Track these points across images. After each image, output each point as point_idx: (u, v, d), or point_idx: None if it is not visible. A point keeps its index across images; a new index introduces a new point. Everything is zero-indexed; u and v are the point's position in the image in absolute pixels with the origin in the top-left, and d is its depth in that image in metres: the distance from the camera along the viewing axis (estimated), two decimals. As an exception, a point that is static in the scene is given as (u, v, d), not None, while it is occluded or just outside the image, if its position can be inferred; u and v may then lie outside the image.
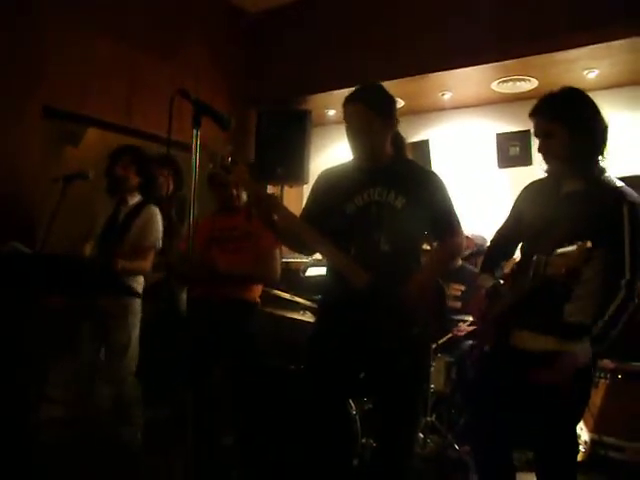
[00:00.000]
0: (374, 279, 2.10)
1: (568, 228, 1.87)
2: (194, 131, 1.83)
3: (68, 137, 4.84)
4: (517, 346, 2.02)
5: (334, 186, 2.26)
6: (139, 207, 3.13)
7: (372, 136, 2.17)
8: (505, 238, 2.27)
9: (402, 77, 4.15)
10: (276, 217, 2.19)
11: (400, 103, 4.49)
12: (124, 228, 3.07)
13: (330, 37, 4.63)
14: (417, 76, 4.18)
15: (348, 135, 2.21)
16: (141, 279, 3.12)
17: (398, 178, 2.19)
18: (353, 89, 2.23)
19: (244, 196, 3.09)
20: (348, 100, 2.20)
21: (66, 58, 3.76)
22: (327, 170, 2.37)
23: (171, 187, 3.88)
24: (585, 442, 3.21)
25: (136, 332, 3.00)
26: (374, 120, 2.15)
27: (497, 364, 2.10)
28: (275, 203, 2.21)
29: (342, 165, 2.36)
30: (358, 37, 4.47)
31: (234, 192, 3.06)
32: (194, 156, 1.86)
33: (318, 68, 4.66)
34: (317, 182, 2.36)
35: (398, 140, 2.30)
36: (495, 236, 2.34)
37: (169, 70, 4.35)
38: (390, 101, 2.24)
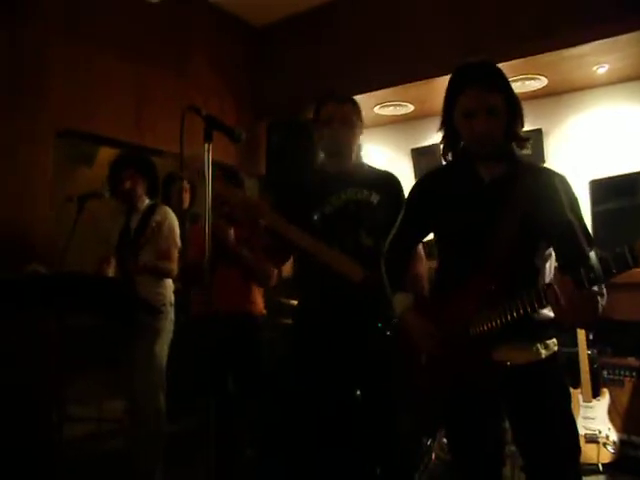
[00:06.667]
0: (368, 273, 2.09)
1: (512, 220, 1.66)
2: (206, 145, 1.84)
3: (81, 157, 4.89)
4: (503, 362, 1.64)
5: (301, 193, 2.33)
6: (152, 208, 3.10)
7: (354, 137, 2.29)
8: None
9: (409, 82, 4.12)
10: (263, 221, 2.25)
11: (409, 108, 4.49)
12: (139, 230, 3.03)
13: (336, 46, 4.63)
14: (424, 80, 4.17)
15: (331, 134, 2.26)
16: (169, 287, 3.07)
17: (366, 178, 2.29)
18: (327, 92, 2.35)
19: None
20: (336, 100, 2.30)
21: (74, 78, 3.79)
22: (285, 183, 2.44)
23: (188, 201, 4.02)
24: (614, 443, 3.15)
25: (159, 347, 2.95)
26: (358, 122, 2.30)
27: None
28: (263, 206, 2.23)
29: (302, 175, 2.50)
30: (364, 45, 4.47)
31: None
32: (207, 169, 1.86)
33: (325, 78, 4.66)
34: (279, 195, 2.47)
35: (359, 146, 2.42)
36: None
37: (177, 85, 4.38)
38: (360, 110, 2.36)
